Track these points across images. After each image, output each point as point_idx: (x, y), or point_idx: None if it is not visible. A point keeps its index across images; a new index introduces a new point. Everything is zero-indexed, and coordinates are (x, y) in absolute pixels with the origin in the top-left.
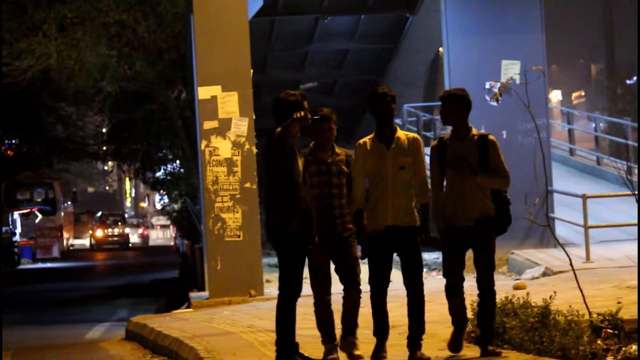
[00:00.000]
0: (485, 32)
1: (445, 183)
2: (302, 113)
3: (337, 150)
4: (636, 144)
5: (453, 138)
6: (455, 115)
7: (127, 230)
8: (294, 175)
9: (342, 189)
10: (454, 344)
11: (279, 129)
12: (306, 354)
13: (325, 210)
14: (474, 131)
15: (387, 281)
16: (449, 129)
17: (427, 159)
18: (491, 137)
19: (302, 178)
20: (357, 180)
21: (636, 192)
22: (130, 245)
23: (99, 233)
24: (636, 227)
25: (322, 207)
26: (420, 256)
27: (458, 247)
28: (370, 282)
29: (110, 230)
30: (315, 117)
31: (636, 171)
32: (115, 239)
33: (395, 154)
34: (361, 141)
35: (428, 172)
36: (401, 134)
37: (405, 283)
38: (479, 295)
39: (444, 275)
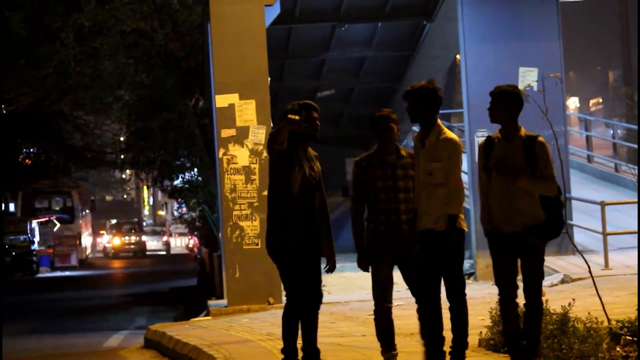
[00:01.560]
0: (502, 39)
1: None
2: (293, 116)
3: (402, 152)
4: None
5: (500, 138)
6: (504, 113)
7: (143, 238)
8: (288, 186)
9: (408, 193)
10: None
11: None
12: None
13: (391, 216)
14: (523, 132)
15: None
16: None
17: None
18: (540, 138)
19: (307, 187)
20: None
21: None
22: (146, 253)
23: (116, 241)
24: None
25: (388, 212)
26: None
27: (505, 253)
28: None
29: (127, 238)
30: (304, 124)
31: None
32: (132, 246)
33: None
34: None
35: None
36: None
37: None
38: (525, 305)
39: (495, 284)
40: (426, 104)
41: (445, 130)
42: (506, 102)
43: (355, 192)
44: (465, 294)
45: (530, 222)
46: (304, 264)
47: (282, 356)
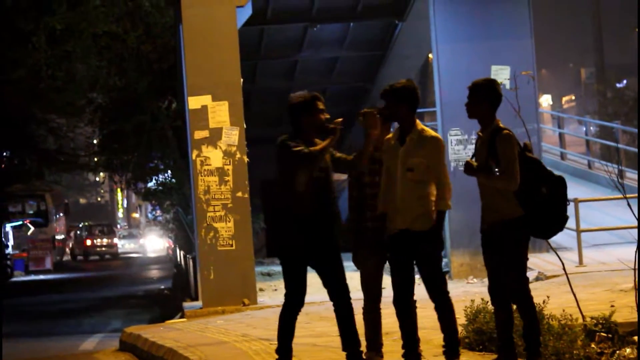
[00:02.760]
0: (474, 38)
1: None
2: (337, 126)
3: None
4: (627, 147)
5: (480, 134)
6: (479, 108)
7: (115, 240)
8: (295, 185)
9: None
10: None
11: (315, 147)
12: None
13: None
14: (495, 125)
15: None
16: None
17: None
18: (505, 132)
19: (317, 185)
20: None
21: (627, 196)
22: (118, 255)
23: (88, 243)
24: (628, 231)
25: (374, 207)
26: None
27: (485, 251)
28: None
29: (98, 240)
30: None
31: (627, 174)
32: (104, 249)
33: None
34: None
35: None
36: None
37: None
38: (501, 303)
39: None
40: (407, 102)
41: (426, 128)
42: (481, 97)
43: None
44: (447, 292)
45: (498, 219)
46: (312, 264)
47: (258, 357)
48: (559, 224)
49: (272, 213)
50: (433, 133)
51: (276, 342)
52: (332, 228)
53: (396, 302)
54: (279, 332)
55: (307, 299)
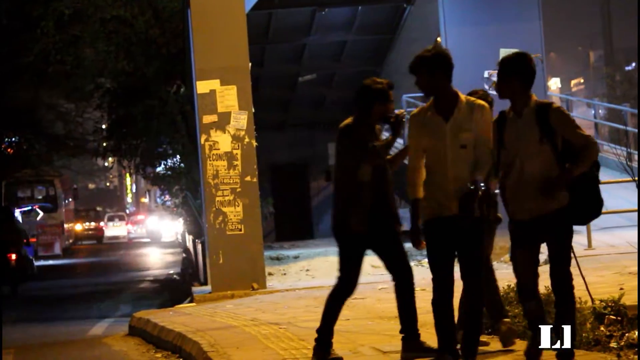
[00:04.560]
0: (482, 21)
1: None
2: (399, 131)
3: None
4: (636, 130)
5: (512, 114)
6: (511, 86)
7: (101, 224)
8: (360, 176)
9: None
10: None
11: (380, 141)
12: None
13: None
14: (534, 100)
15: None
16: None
17: None
18: (555, 105)
19: (378, 175)
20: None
21: (637, 178)
22: (103, 240)
23: (78, 227)
24: (637, 213)
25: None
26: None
27: (523, 244)
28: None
29: (86, 224)
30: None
31: (636, 157)
32: (91, 232)
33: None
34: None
35: None
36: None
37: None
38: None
39: (515, 276)
40: (442, 71)
41: (469, 97)
42: (512, 73)
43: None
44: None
45: (554, 207)
46: (374, 249)
47: (268, 341)
48: (599, 207)
49: (337, 198)
50: (479, 101)
51: (285, 327)
52: (391, 214)
53: (441, 298)
54: (324, 313)
55: (316, 282)
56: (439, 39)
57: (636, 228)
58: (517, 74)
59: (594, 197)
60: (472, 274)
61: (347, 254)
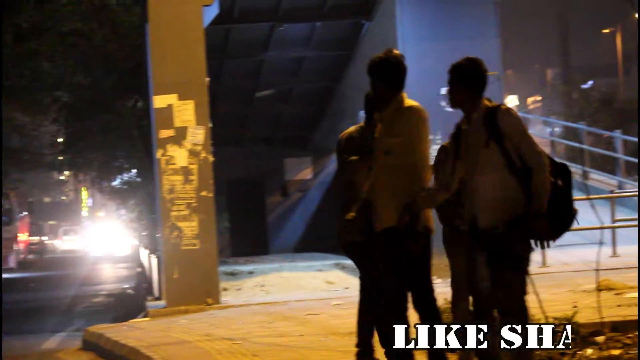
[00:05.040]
0: (440, 38)
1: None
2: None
3: None
4: (590, 148)
5: (464, 121)
6: (461, 94)
7: (43, 238)
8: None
9: None
10: None
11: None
12: None
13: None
14: (484, 105)
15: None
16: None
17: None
18: (505, 106)
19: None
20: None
21: (591, 197)
22: (56, 253)
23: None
24: (592, 232)
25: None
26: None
27: (474, 254)
28: None
29: (34, 238)
30: None
31: (591, 175)
32: (34, 247)
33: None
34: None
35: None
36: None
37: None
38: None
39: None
40: (378, 76)
41: (406, 99)
42: (460, 79)
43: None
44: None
45: (505, 216)
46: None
47: (221, 356)
48: (571, 219)
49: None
50: (413, 103)
51: (239, 342)
52: None
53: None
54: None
55: (270, 298)
56: None
57: (589, 246)
58: (465, 80)
59: (571, 207)
60: (417, 290)
61: (355, 262)
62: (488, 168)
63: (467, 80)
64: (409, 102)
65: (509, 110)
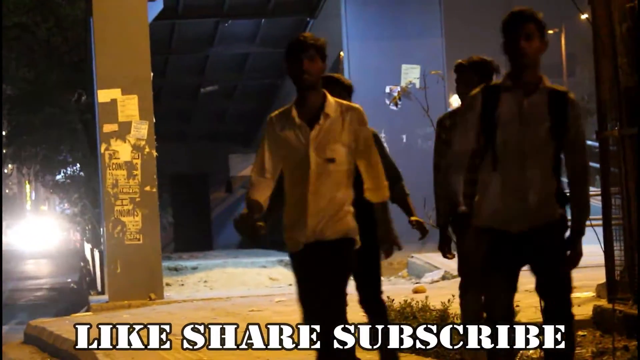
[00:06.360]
0: (385, 37)
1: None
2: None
3: None
4: None
5: (511, 86)
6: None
7: None
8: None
9: None
10: None
11: None
12: None
13: None
14: (546, 83)
15: None
16: None
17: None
18: (572, 94)
19: None
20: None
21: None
22: None
23: None
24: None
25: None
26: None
27: (510, 257)
28: None
29: None
30: None
31: None
32: None
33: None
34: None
35: None
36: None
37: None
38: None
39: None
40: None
41: (340, 100)
42: (539, 29)
43: (436, 158)
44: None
45: (547, 219)
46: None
47: (163, 351)
48: None
49: None
50: (353, 104)
51: (180, 336)
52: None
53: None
54: None
55: (213, 294)
56: (342, 53)
57: None
58: (542, 30)
59: None
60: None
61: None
62: (540, 159)
63: (541, 30)
64: (349, 102)
65: (576, 101)
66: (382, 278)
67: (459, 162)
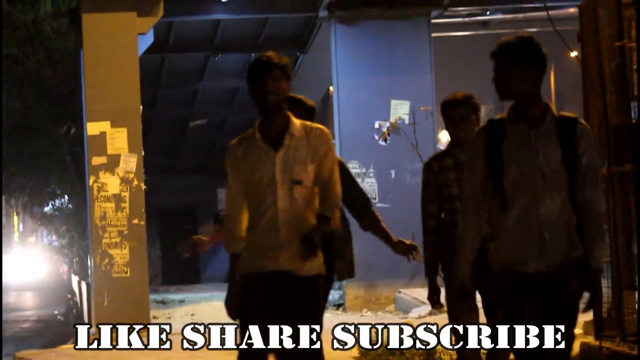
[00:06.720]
0: (375, 72)
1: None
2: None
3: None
4: None
5: (516, 119)
6: (525, 81)
7: None
8: None
9: None
10: None
11: None
12: None
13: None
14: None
15: None
16: None
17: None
18: (582, 119)
19: None
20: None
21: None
22: None
23: None
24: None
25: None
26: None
27: (525, 299)
28: None
29: None
30: None
31: None
32: None
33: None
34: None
35: None
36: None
37: None
38: None
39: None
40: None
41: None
42: (528, 59)
43: (426, 205)
44: None
45: (571, 257)
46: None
47: None
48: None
49: None
50: (317, 124)
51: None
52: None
53: None
54: None
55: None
56: (331, 88)
57: None
58: (531, 60)
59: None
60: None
61: None
62: (556, 191)
63: (534, 60)
64: (315, 124)
65: (587, 127)
66: (369, 312)
67: (471, 208)
